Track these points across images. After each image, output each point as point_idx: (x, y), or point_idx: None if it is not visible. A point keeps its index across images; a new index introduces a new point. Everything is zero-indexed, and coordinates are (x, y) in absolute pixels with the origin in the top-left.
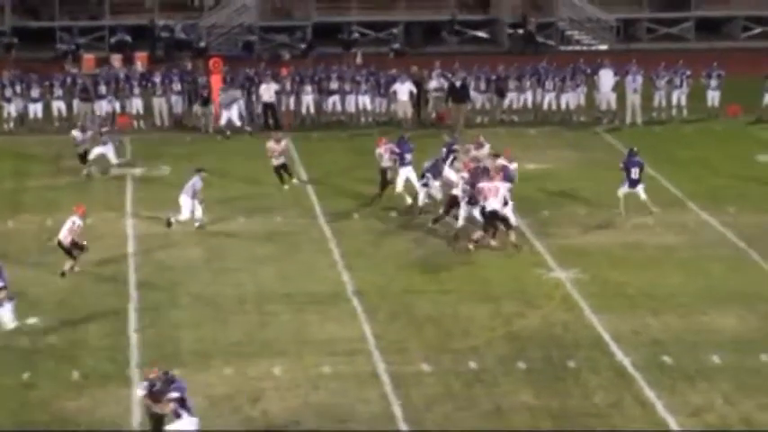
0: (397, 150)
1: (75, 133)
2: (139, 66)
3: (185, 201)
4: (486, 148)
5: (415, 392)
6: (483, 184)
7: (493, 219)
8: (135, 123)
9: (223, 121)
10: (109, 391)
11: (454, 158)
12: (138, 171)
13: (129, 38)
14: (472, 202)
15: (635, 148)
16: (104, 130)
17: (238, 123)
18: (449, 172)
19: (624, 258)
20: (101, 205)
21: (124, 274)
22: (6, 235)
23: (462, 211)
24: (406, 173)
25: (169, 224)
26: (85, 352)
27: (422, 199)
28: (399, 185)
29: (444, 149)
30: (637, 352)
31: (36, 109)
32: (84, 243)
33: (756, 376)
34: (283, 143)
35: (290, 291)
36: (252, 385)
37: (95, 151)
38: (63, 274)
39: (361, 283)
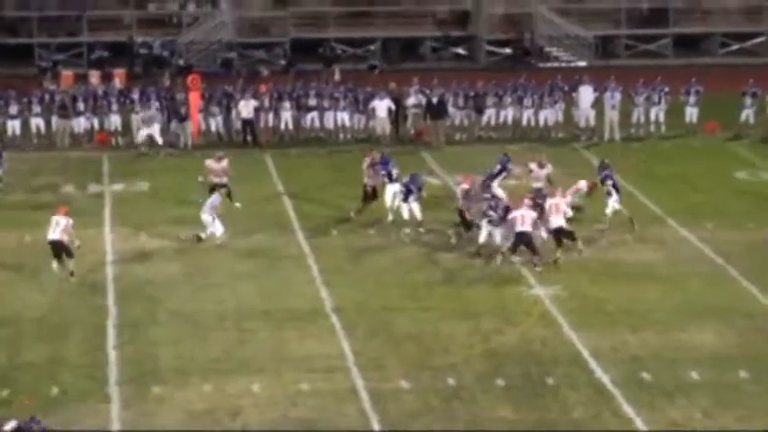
0: (383, 168)
1: None
2: (117, 82)
3: (207, 219)
4: (549, 168)
5: (393, 409)
6: (548, 202)
7: (559, 235)
8: (113, 140)
9: (140, 139)
10: (88, 408)
11: (505, 175)
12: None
13: (107, 54)
14: (493, 221)
15: (606, 160)
16: None
17: (160, 141)
18: (496, 189)
19: (603, 275)
20: (80, 221)
21: (103, 290)
22: None
23: (484, 229)
24: (394, 189)
25: (199, 239)
26: (64, 368)
27: (406, 214)
28: (388, 201)
29: (498, 166)
30: (615, 368)
31: (14, 125)
32: (77, 243)
33: (734, 392)
34: (224, 162)
35: (268, 307)
36: (231, 402)
37: None
38: (72, 274)
39: (340, 300)
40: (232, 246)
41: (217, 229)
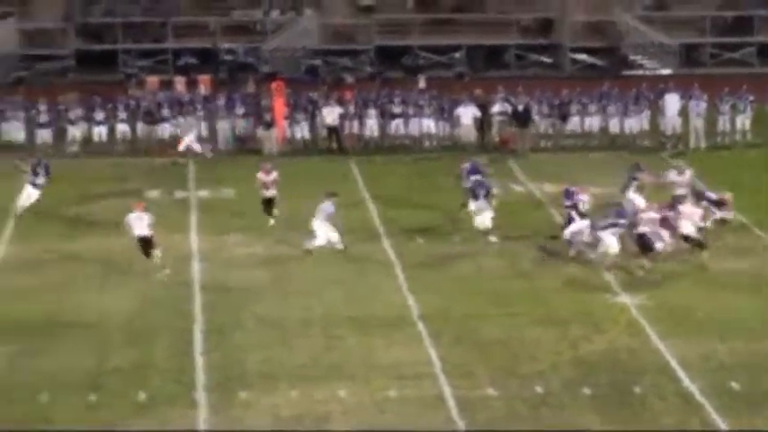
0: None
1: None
2: (203, 89)
3: (319, 226)
4: (688, 175)
5: (480, 416)
6: (682, 209)
7: (688, 241)
8: (199, 146)
9: (181, 148)
10: (175, 413)
11: (636, 184)
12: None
13: (193, 61)
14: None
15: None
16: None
17: (198, 149)
18: (634, 196)
19: (690, 283)
20: (165, 228)
21: (190, 295)
22: (72, 257)
23: (576, 225)
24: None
25: (308, 252)
26: (152, 373)
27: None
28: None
29: (627, 175)
30: (703, 377)
31: (100, 132)
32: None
33: None
34: (274, 174)
35: (355, 314)
36: (318, 408)
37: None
38: (164, 267)
39: (426, 307)
40: (318, 252)
41: (320, 239)
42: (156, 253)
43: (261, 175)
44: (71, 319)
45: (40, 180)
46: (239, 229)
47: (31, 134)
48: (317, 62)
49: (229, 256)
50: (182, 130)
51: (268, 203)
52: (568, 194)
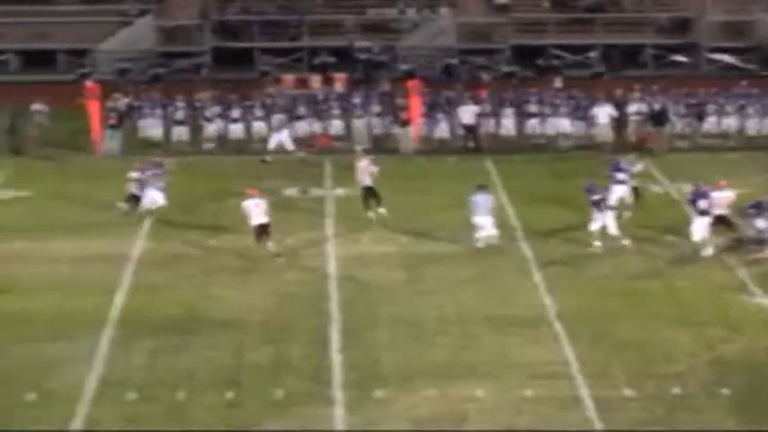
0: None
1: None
2: (338, 87)
3: (481, 219)
4: None
5: (617, 417)
6: None
7: None
8: (334, 144)
9: (271, 146)
10: (311, 412)
11: None
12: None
13: (329, 59)
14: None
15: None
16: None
17: (290, 146)
18: None
19: None
20: (302, 225)
21: (326, 294)
22: (210, 254)
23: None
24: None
25: (478, 242)
26: (288, 371)
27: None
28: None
29: None
30: None
31: (236, 129)
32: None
33: None
34: (373, 167)
35: (491, 313)
36: (456, 407)
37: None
38: (279, 255)
39: (563, 307)
40: (454, 251)
41: (489, 230)
42: (268, 244)
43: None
44: (209, 315)
45: (161, 183)
46: (375, 227)
47: (167, 131)
48: (453, 61)
49: (365, 254)
50: (274, 128)
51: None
52: (699, 194)
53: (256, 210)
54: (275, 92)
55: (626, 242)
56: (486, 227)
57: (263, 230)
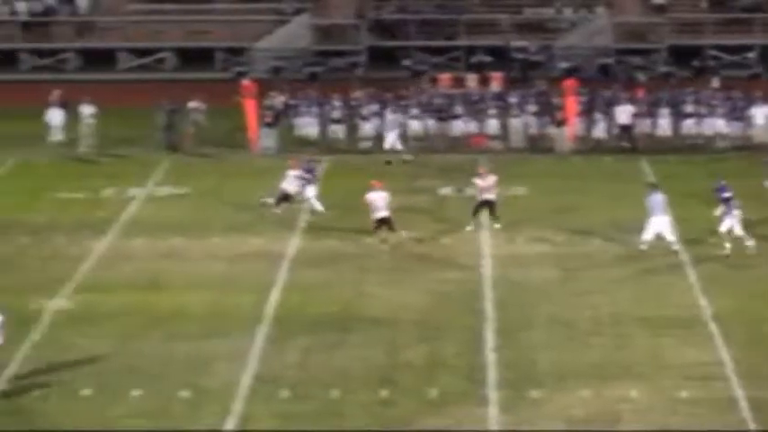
0: None
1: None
2: (495, 86)
3: (661, 219)
4: None
5: None
6: None
7: None
8: (490, 144)
9: (387, 145)
10: (466, 411)
11: None
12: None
13: (486, 58)
14: None
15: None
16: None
17: (399, 146)
18: None
19: None
20: (456, 225)
21: (481, 293)
22: (365, 252)
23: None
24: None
25: (642, 244)
26: (443, 370)
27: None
28: None
29: None
30: None
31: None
32: None
33: None
34: (490, 179)
35: (645, 314)
36: (610, 408)
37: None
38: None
39: (719, 308)
40: (609, 251)
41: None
42: (383, 235)
43: (478, 181)
44: (364, 313)
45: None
46: (530, 227)
47: (324, 130)
48: (610, 61)
49: (520, 254)
50: (386, 128)
51: (483, 205)
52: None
53: (380, 203)
54: (432, 91)
55: (750, 243)
56: (663, 229)
57: (383, 223)
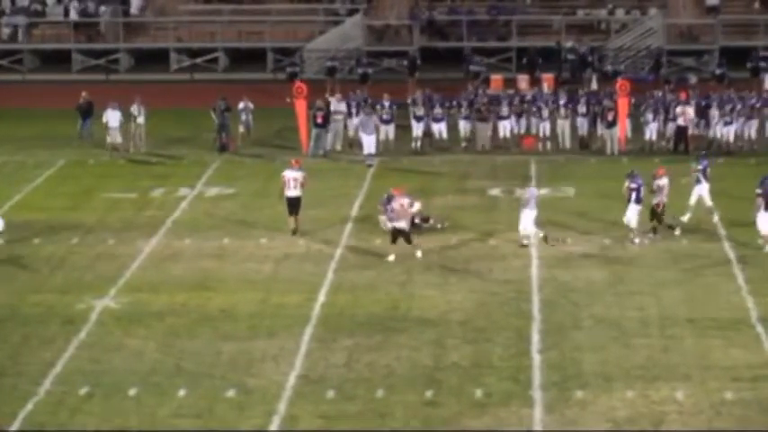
0: None
1: None
2: (546, 87)
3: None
4: None
5: None
6: None
7: None
8: (540, 145)
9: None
10: (511, 412)
11: None
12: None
13: (538, 60)
14: None
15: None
16: None
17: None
18: None
19: None
20: (505, 225)
21: (528, 294)
22: (412, 253)
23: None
24: None
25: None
26: (488, 371)
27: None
28: None
29: None
30: None
31: (440, 128)
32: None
33: None
34: (404, 202)
35: (693, 315)
36: (654, 409)
37: None
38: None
39: (767, 310)
40: (656, 253)
41: None
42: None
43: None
44: (410, 314)
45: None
46: (577, 227)
47: (376, 131)
48: (661, 62)
49: (568, 255)
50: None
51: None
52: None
53: (400, 211)
54: (481, 92)
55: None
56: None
57: (399, 234)
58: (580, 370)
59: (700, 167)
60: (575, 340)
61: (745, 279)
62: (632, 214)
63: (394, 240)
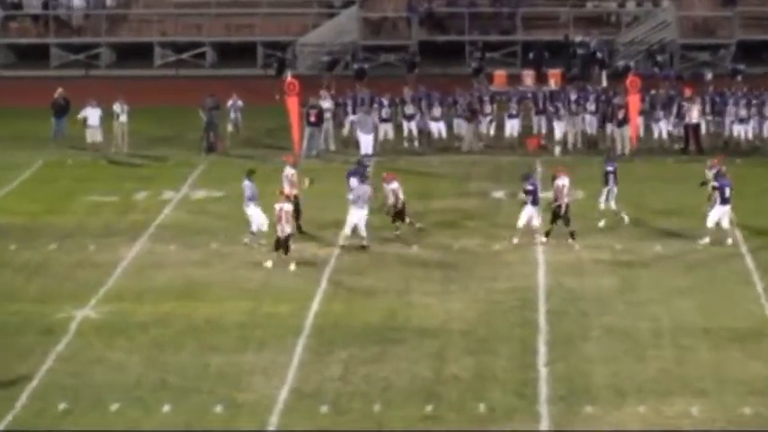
0: None
1: None
2: (553, 84)
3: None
4: None
5: None
6: None
7: None
8: (545, 144)
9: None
10: (515, 427)
11: None
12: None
13: (544, 54)
14: None
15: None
16: None
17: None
18: None
19: None
20: (508, 231)
21: (533, 303)
22: (411, 259)
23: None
24: None
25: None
26: (492, 384)
27: None
28: None
29: None
30: None
31: (439, 128)
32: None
33: None
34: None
35: (708, 325)
36: (669, 424)
37: None
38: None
39: None
40: (670, 259)
41: None
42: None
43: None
44: (409, 324)
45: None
46: (584, 232)
47: (374, 129)
48: (674, 56)
49: (577, 261)
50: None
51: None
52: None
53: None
54: (483, 89)
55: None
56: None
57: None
58: (589, 383)
59: (610, 169)
60: (583, 352)
61: (765, 287)
62: (524, 215)
63: (278, 247)
